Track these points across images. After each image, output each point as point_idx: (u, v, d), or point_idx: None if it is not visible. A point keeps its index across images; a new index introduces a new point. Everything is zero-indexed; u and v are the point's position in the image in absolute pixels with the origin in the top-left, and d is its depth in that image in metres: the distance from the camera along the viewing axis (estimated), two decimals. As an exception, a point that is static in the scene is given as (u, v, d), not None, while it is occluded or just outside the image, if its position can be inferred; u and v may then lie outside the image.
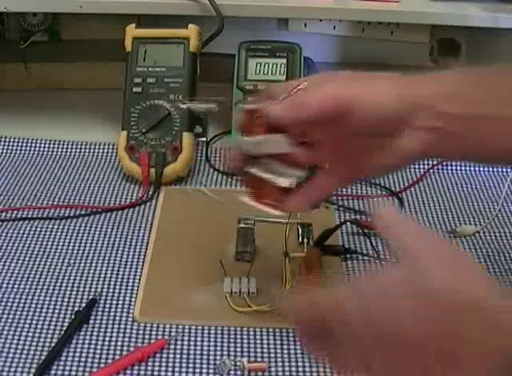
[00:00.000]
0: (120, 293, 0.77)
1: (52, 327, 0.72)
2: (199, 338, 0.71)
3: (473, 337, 0.44)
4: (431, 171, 0.99)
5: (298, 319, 0.52)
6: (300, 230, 0.84)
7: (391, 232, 0.51)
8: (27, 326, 0.72)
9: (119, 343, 0.70)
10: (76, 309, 0.74)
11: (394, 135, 0.62)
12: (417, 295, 0.46)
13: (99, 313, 0.74)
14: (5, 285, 0.77)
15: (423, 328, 0.45)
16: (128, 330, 0.72)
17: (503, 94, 0.61)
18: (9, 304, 0.75)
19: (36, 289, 0.77)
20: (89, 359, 0.68)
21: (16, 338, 0.71)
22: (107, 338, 0.71)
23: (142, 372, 0.67)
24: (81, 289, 0.77)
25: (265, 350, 0.70)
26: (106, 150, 1.02)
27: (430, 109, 0.60)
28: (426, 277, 0.46)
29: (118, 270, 0.80)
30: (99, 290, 0.77)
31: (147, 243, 0.84)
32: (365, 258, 0.82)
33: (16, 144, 1.02)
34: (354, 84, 0.62)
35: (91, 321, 0.73)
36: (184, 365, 0.68)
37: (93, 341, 0.70)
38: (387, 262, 0.80)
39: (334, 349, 0.49)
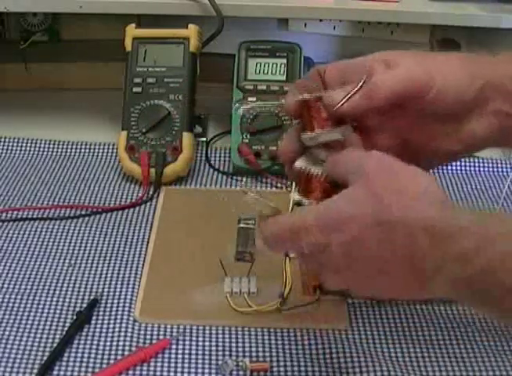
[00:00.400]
0: (120, 293, 0.77)
1: (53, 328, 0.72)
2: (200, 338, 0.71)
3: (427, 252, 0.49)
4: (431, 171, 0.99)
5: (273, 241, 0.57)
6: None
7: (348, 157, 0.55)
8: (28, 326, 0.72)
9: (120, 343, 0.70)
10: (77, 309, 0.74)
11: (464, 119, 0.59)
12: (372, 223, 0.50)
13: (101, 313, 0.74)
14: (5, 286, 0.77)
15: (386, 250, 0.50)
16: (129, 331, 0.72)
17: None
18: (10, 304, 0.75)
19: (37, 289, 0.77)
20: (91, 360, 0.68)
21: (17, 338, 0.71)
22: (109, 338, 0.71)
23: (144, 372, 0.67)
24: (82, 289, 0.77)
25: (267, 350, 0.70)
26: (106, 150, 1.02)
27: (502, 90, 0.57)
28: (378, 204, 0.50)
29: (119, 270, 0.80)
30: (99, 290, 0.77)
31: (147, 243, 0.84)
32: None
33: (16, 144, 1.02)
34: (425, 64, 0.58)
35: (92, 321, 0.73)
36: (186, 365, 0.68)
37: (95, 342, 0.70)
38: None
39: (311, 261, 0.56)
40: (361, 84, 0.58)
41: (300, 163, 0.61)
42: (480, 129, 0.59)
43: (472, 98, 0.57)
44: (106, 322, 0.73)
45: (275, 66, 1.00)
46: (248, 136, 0.98)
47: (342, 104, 0.58)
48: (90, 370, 0.67)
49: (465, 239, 0.48)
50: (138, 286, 0.78)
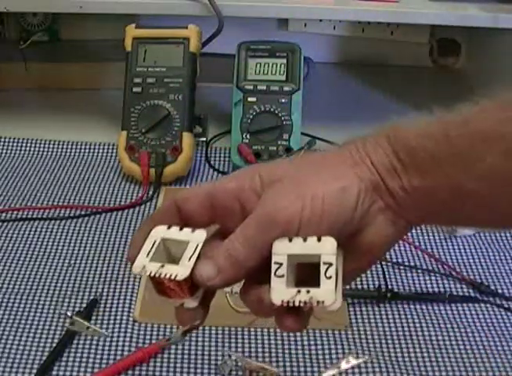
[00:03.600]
0: (120, 293, 0.77)
1: (53, 328, 0.72)
2: (200, 338, 0.71)
3: None
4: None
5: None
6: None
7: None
8: (27, 326, 0.72)
9: (120, 343, 0.70)
10: (77, 309, 0.74)
11: (355, 237, 0.50)
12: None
13: (100, 313, 0.74)
14: (5, 285, 0.77)
15: None
16: (128, 331, 0.72)
17: None
18: (10, 304, 0.75)
19: (37, 289, 0.77)
20: (90, 360, 0.68)
21: (17, 338, 0.70)
22: (108, 339, 0.71)
23: (143, 372, 0.67)
24: (82, 289, 0.77)
25: (266, 350, 0.70)
26: (106, 150, 1.02)
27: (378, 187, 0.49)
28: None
29: (118, 270, 0.80)
30: (99, 290, 0.77)
31: (147, 243, 0.84)
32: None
33: (16, 144, 1.02)
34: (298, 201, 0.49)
35: (92, 321, 0.73)
36: (185, 365, 0.68)
37: (94, 342, 0.70)
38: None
39: None
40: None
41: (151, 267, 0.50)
42: (376, 237, 0.50)
43: (353, 200, 0.48)
44: (105, 322, 0.73)
45: (275, 66, 1.00)
46: (248, 136, 0.98)
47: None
48: (90, 370, 0.67)
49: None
50: (138, 286, 0.78)
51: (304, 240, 0.47)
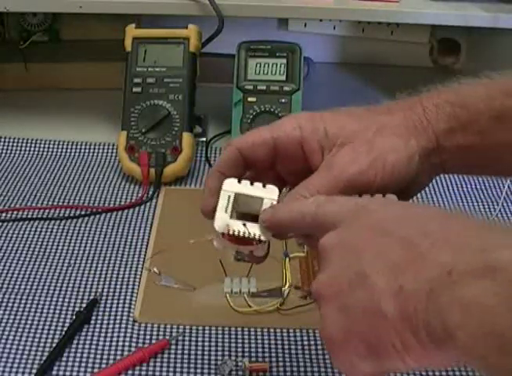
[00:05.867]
0: (120, 293, 0.77)
1: (53, 328, 0.72)
2: (200, 339, 0.71)
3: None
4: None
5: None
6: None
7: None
8: (27, 326, 0.72)
9: (120, 343, 0.70)
10: (77, 309, 0.74)
11: (410, 183, 0.56)
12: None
13: (100, 313, 0.74)
14: (5, 286, 0.77)
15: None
16: (128, 331, 0.72)
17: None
18: (10, 304, 0.75)
19: (36, 289, 0.77)
20: (90, 360, 0.68)
21: (17, 338, 0.70)
22: (108, 339, 0.71)
23: (143, 373, 0.67)
24: (82, 289, 0.77)
25: (266, 350, 0.70)
26: (106, 150, 1.02)
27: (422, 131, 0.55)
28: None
29: (118, 270, 0.80)
30: (99, 290, 0.77)
31: (147, 243, 0.84)
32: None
33: (16, 144, 1.02)
34: (365, 151, 0.55)
35: (92, 321, 0.73)
36: (185, 365, 0.68)
37: (94, 342, 0.70)
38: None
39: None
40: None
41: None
42: (426, 178, 0.57)
43: (415, 167, 0.55)
44: (105, 322, 0.73)
45: (275, 66, 1.00)
46: (248, 136, 0.97)
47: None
48: (89, 370, 0.67)
49: None
50: (138, 286, 0.78)
51: (251, 184, 0.53)
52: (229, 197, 0.53)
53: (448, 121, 0.54)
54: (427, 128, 0.54)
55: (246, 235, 0.52)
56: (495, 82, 0.56)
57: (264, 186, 0.54)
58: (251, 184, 0.54)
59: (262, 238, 0.52)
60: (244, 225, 0.52)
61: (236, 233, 0.52)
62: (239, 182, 0.54)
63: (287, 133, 0.54)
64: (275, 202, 0.53)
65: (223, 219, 0.53)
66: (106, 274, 0.79)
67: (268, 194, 0.53)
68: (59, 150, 1.02)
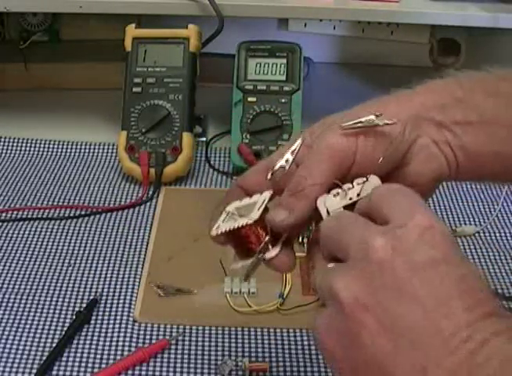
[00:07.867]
0: (120, 293, 0.77)
1: (52, 328, 0.72)
2: (200, 339, 0.71)
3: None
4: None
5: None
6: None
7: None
8: (27, 326, 0.72)
9: (120, 343, 0.70)
10: (77, 309, 0.74)
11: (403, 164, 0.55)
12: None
13: (100, 314, 0.74)
14: (5, 285, 0.77)
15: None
16: (128, 331, 0.72)
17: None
18: (10, 304, 0.75)
19: (36, 289, 0.77)
20: (90, 360, 0.68)
21: (17, 338, 0.70)
22: (108, 339, 0.71)
23: (143, 373, 0.67)
24: (82, 289, 0.77)
25: (266, 350, 0.70)
26: (106, 150, 1.02)
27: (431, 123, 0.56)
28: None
29: (118, 270, 0.80)
30: (99, 290, 0.77)
31: (147, 243, 0.84)
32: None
33: (16, 144, 1.02)
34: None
35: (92, 321, 0.73)
36: (185, 365, 0.68)
37: (94, 342, 0.70)
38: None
39: None
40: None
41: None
42: (425, 167, 0.55)
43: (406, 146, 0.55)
44: (105, 322, 0.73)
45: (275, 66, 1.00)
46: (248, 136, 0.98)
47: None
48: (89, 370, 0.67)
49: None
50: (138, 286, 0.78)
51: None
52: (229, 212, 0.54)
53: None
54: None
55: (236, 226, 0.52)
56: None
57: (261, 194, 0.55)
58: (250, 197, 0.55)
59: (249, 221, 0.52)
60: (235, 221, 0.53)
61: (227, 230, 0.53)
62: (240, 201, 0.55)
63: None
64: (267, 199, 0.54)
65: (216, 225, 0.54)
66: (106, 274, 0.79)
67: (262, 196, 0.54)
68: (59, 150, 1.02)
